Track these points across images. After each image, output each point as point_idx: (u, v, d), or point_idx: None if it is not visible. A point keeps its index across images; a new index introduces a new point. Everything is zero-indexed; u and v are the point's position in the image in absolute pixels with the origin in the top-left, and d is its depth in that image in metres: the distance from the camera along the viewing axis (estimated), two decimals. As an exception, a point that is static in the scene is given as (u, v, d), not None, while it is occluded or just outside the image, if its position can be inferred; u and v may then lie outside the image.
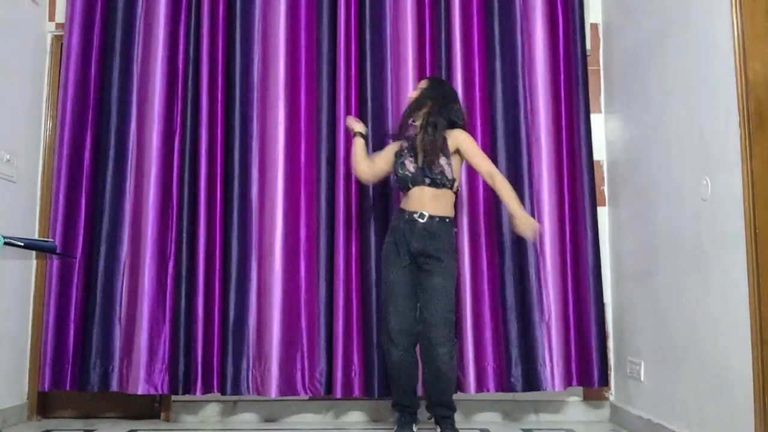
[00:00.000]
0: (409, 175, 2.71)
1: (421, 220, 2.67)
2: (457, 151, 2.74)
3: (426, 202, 2.69)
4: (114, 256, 3.11)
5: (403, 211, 2.74)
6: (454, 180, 2.72)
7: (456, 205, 3.09)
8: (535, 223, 2.66)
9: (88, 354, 3.04)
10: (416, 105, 2.78)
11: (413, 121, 2.79)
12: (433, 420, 2.77)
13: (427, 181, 2.69)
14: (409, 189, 2.72)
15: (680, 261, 2.52)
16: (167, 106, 3.19)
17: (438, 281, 2.65)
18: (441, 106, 2.75)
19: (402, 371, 2.69)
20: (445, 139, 2.72)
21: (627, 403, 3.02)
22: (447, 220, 2.71)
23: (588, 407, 3.21)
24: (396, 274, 2.69)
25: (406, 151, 2.78)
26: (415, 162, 2.72)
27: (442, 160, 2.69)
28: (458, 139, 2.75)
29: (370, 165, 2.86)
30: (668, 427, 2.58)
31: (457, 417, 3.16)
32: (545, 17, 3.24)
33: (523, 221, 2.62)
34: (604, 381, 3.06)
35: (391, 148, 2.87)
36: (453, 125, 2.77)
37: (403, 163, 2.74)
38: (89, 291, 3.09)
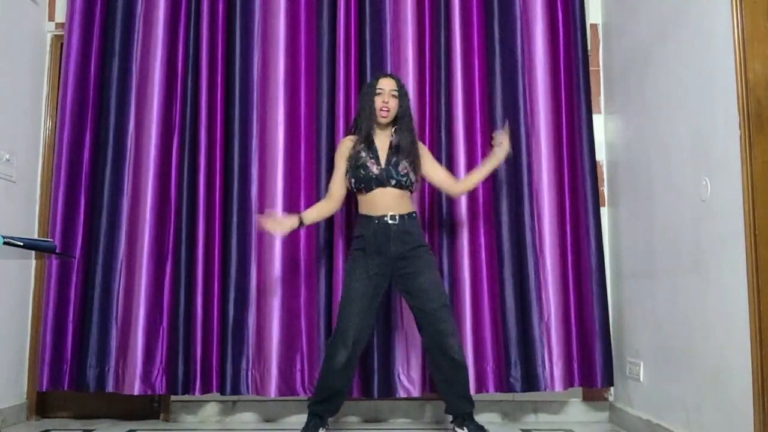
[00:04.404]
0: (373, 176, 2.67)
1: (393, 222, 2.65)
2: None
3: (391, 204, 2.67)
4: (112, 256, 3.11)
5: (369, 217, 2.68)
6: (414, 182, 2.75)
7: (453, 205, 3.10)
8: (502, 144, 2.73)
9: (85, 354, 3.04)
10: (412, 118, 2.82)
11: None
12: (454, 424, 2.73)
13: (393, 182, 2.68)
14: (370, 191, 2.68)
15: (680, 261, 2.52)
16: (166, 105, 3.19)
17: (427, 277, 2.67)
18: (410, 108, 2.84)
19: (342, 376, 2.63)
20: (417, 143, 2.80)
21: (626, 403, 3.02)
22: (414, 215, 2.74)
23: (587, 408, 3.21)
24: (361, 284, 2.62)
25: (363, 153, 2.70)
26: (378, 164, 2.69)
27: (405, 162, 2.71)
28: (423, 148, 2.87)
29: (329, 202, 2.80)
30: (667, 427, 2.58)
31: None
32: (545, 17, 3.24)
33: (499, 155, 2.73)
34: (609, 381, 3.03)
35: (341, 157, 2.77)
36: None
37: (364, 165, 2.68)
38: (88, 291, 3.09)
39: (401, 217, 2.68)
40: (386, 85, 2.75)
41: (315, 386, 2.72)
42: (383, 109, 2.72)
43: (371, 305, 2.66)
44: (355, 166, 2.71)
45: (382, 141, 2.75)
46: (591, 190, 3.12)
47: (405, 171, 2.70)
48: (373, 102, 2.73)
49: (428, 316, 2.64)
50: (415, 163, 2.74)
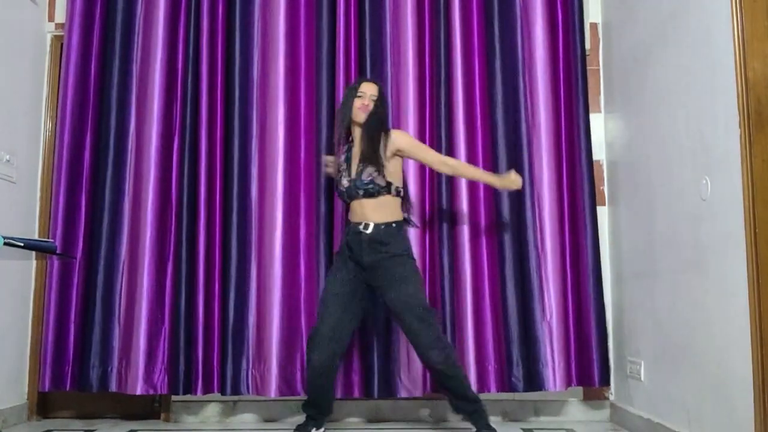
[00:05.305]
0: (344, 190, 2.69)
1: (366, 231, 2.63)
2: (397, 153, 2.71)
3: (368, 213, 2.65)
4: (113, 257, 3.11)
5: (349, 223, 2.74)
6: (390, 184, 2.67)
7: (454, 203, 3.10)
8: (516, 176, 2.75)
9: (87, 354, 3.05)
10: (382, 123, 2.72)
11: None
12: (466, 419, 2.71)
13: (361, 192, 2.65)
14: (349, 203, 2.73)
15: (680, 261, 2.52)
16: (166, 106, 3.19)
17: (395, 294, 2.60)
18: (385, 115, 2.77)
19: (321, 376, 2.62)
20: (380, 146, 2.68)
21: (627, 402, 3.02)
22: (394, 224, 2.66)
23: (588, 407, 3.21)
24: (337, 286, 2.66)
25: (343, 166, 2.73)
26: (348, 175, 2.69)
27: (370, 169, 2.64)
28: (397, 141, 2.69)
29: None
30: (668, 426, 2.58)
31: (456, 417, 3.16)
32: (545, 17, 3.24)
33: (506, 184, 2.76)
34: (605, 381, 3.05)
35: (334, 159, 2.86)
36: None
37: (338, 180, 2.73)
38: (89, 291, 3.10)
39: (377, 225, 2.63)
40: (367, 89, 2.72)
41: (307, 393, 2.75)
42: (361, 108, 2.69)
43: (348, 307, 2.65)
44: (336, 180, 2.77)
45: (359, 148, 2.73)
46: (588, 188, 3.12)
47: (370, 178, 2.64)
48: (352, 103, 2.70)
49: (404, 329, 2.64)
50: (379, 166, 2.64)
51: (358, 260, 2.65)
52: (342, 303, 2.64)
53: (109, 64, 3.22)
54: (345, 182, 2.70)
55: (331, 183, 3.10)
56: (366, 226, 2.64)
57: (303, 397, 3.02)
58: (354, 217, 2.70)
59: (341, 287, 2.66)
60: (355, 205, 2.69)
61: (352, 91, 2.74)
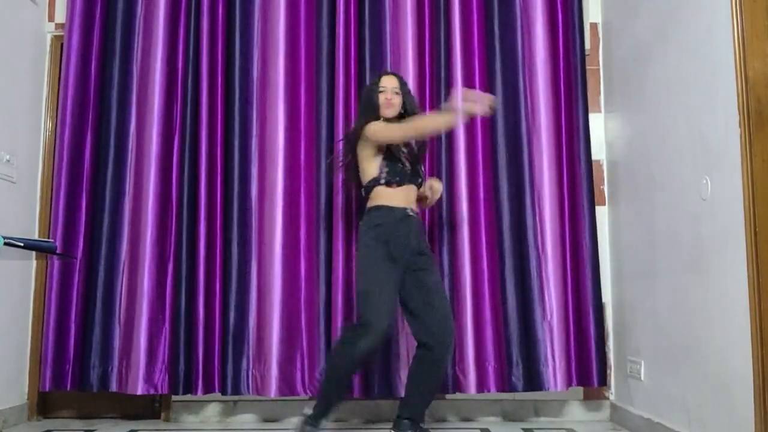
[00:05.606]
0: (409, 173, 2.65)
1: (413, 215, 2.65)
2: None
3: (412, 200, 2.67)
4: (114, 256, 3.11)
5: (390, 207, 2.60)
6: None
7: (453, 202, 3.10)
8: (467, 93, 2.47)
9: (87, 354, 3.05)
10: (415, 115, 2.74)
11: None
12: (397, 426, 2.59)
13: (418, 181, 2.70)
14: (400, 186, 2.62)
15: (680, 260, 2.52)
16: (167, 106, 3.19)
17: (438, 279, 2.69)
18: (413, 104, 2.77)
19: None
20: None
21: (627, 402, 3.02)
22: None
23: (588, 407, 3.21)
24: (388, 273, 2.53)
25: (397, 146, 2.65)
26: (409, 161, 2.69)
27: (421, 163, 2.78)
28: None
29: None
30: (668, 426, 2.58)
31: (457, 416, 3.16)
32: (545, 16, 3.24)
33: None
34: (605, 381, 3.06)
35: None
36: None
37: (402, 160, 2.65)
38: (89, 291, 3.10)
39: (417, 214, 2.69)
40: (388, 83, 2.70)
41: (326, 376, 2.57)
42: (385, 103, 2.66)
43: (397, 295, 2.58)
44: (392, 157, 2.64)
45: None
46: (588, 188, 3.12)
47: (423, 174, 2.76)
48: (377, 98, 2.67)
49: (435, 321, 2.56)
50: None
51: (405, 243, 2.58)
52: (395, 292, 2.55)
53: (109, 64, 3.22)
54: (409, 165, 2.67)
55: (331, 182, 3.11)
56: (412, 211, 2.66)
57: (303, 397, 3.03)
58: (396, 202, 2.61)
59: (392, 275, 2.54)
60: (403, 190, 2.63)
61: (374, 87, 2.71)
